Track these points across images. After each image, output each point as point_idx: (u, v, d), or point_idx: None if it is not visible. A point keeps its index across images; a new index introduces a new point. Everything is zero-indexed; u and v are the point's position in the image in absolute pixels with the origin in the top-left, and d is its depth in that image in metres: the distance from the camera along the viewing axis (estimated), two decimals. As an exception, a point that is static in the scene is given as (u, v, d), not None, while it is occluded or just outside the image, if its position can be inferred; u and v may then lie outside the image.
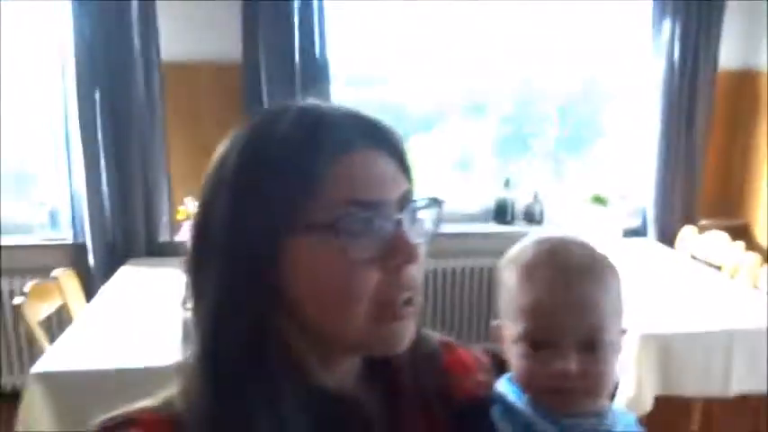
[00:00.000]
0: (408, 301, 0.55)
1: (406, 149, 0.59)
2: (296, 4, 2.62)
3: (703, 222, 3.08)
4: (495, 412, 0.67)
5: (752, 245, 2.95)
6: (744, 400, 2.21)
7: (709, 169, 3.14)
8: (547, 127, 3.39)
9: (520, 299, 0.65)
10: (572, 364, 0.63)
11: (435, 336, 0.70)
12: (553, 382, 0.63)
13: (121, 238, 2.69)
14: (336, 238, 0.52)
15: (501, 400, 0.68)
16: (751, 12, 3.06)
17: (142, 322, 1.99)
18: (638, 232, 3.16)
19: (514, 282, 0.67)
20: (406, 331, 0.56)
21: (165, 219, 2.76)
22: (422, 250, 0.57)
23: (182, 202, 2.48)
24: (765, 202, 3.12)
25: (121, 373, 1.67)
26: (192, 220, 0.58)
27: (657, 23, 2.94)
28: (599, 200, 3.10)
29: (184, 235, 2.43)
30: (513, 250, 0.69)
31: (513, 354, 0.67)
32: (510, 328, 0.67)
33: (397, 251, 0.53)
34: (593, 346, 0.64)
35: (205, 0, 2.67)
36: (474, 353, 0.75)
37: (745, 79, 3.16)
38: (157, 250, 2.73)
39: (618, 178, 3.30)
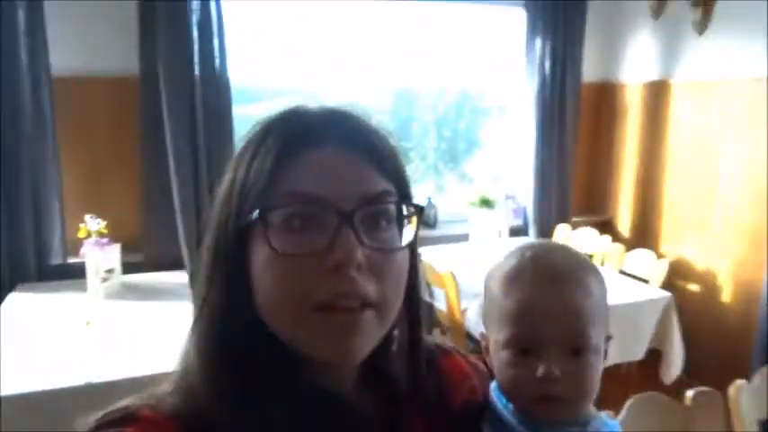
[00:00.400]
0: (358, 309, 0.51)
1: (390, 152, 0.56)
2: (194, 17, 2.62)
3: (575, 219, 3.46)
4: (486, 419, 0.67)
5: (616, 236, 3.36)
6: (617, 368, 2.53)
7: (578, 172, 3.52)
8: (426, 139, 3.63)
9: (504, 306, 0.64)
10: (556, 369, 0.61)
11: (431, 341, 0.69)
12: (538, 389, 0.62)
13: (8, 262, 2.52)
14: (266, 230, 0.51)
15: (491, 407, 0.68)
16: (608, 33, 3.49)
17: (41, 347, 1.91)
18: (521, 231, 3.47)
19: (498, 289, 0.66)
20: (354, 341, 0.52)
21: (57, 240, 2.63)
22: (391, 257, 0.54)
23: (80, 221, 2.39)
24: (625, 200, 3.56)
25: (31, 397, 1.61)
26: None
27: (530, 42, 3.27)
28: (486, 202, 3.37)
29: (84, 254, 2.34)
30: (498, 260, 0.69)
31: (498, 362, 0.66)
32: (494, 336, 0.66)
33: (332, 249, 0.50)
34: (577, 351, 0.62)
35: (99, 10, 2.59)
36: (470, 359, 0.74)
37: (604, 91, 3.59)
38: (50, 274, 2.59)
39: (501, 183, 3.60)
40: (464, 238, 3.26)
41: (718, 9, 2.79)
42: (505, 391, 0.66)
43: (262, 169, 0.52)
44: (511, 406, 0.66)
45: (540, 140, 3.34)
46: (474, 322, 2.37)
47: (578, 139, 3.46)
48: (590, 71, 3.40)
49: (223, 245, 0.54)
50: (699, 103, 3.06)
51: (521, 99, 3.36)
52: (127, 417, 0.51)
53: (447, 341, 2.57)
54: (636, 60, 3.42)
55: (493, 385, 0.69)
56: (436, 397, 0.64)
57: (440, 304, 2.65)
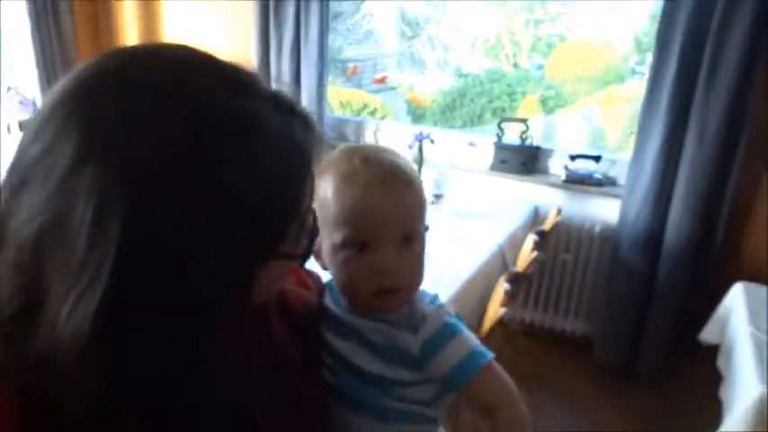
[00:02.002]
0: None
1: None
2: None
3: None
4: (323, 321, 0.72)
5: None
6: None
7: (81, 58, 3.56)
8: None
9: (340, 208, 0.66)
10: (396, 258, 0.66)
11: None
12: (377, 283, 0.66)
13: None
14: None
15: (326, 308, 0.73)
16: None
17: None
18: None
19: (332, 191, 0.67)
20: None
21: None
22: None
23: None
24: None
25: None
26: None
27: None
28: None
29: None
30: (323, 164, 0.69)
31: (336, 263, 0.68)
32: (330, 238, 0.67)
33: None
34: (410, 239, 0.67)
35: None
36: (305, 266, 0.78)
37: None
38: None
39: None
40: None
41: None
42: (344, 289, 0.69)
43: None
44: (345, 303, 0.70)
45: (36, 29, 3.24)
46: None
47: (77, 26, 3.48)
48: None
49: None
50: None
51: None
52: None
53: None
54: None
55: (325, 287, 0.75)
56: (278, 305, 0.67)
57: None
